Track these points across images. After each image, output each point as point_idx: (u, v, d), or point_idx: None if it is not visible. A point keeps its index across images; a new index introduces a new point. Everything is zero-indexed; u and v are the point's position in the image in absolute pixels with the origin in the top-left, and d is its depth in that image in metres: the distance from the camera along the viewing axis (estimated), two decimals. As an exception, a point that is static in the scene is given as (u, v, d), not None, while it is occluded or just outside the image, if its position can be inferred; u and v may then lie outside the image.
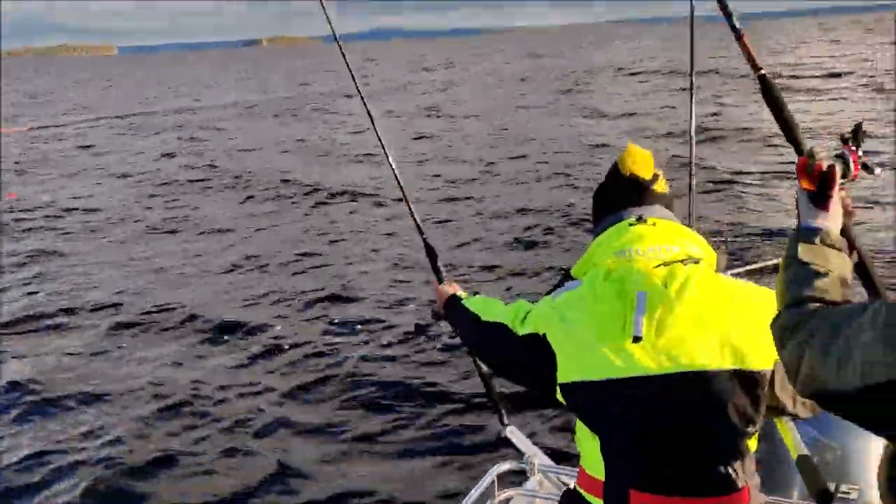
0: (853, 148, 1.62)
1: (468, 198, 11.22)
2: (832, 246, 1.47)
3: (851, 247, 1.59)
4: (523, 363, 1.95)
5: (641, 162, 2.05)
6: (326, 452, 4.64)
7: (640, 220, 1.92)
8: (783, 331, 1.39)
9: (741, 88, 22.96)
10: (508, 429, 2.67)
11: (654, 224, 1.90)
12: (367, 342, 6.13)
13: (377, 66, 63.46)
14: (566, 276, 2.03)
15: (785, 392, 1.76)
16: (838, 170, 1.54)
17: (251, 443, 4.80)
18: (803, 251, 1.47)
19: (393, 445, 4.60)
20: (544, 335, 1.87)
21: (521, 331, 1.94)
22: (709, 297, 1.76)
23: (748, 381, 1.71)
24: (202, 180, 14.48)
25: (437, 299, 2.49)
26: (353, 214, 10.94)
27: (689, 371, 1.70)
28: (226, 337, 6.46)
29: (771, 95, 1.84)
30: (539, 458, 2.65)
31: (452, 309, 2.33)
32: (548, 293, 1.98)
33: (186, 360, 6.04)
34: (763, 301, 1.76)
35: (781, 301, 1.46)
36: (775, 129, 1.89)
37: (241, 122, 24.20)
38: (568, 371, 1.80)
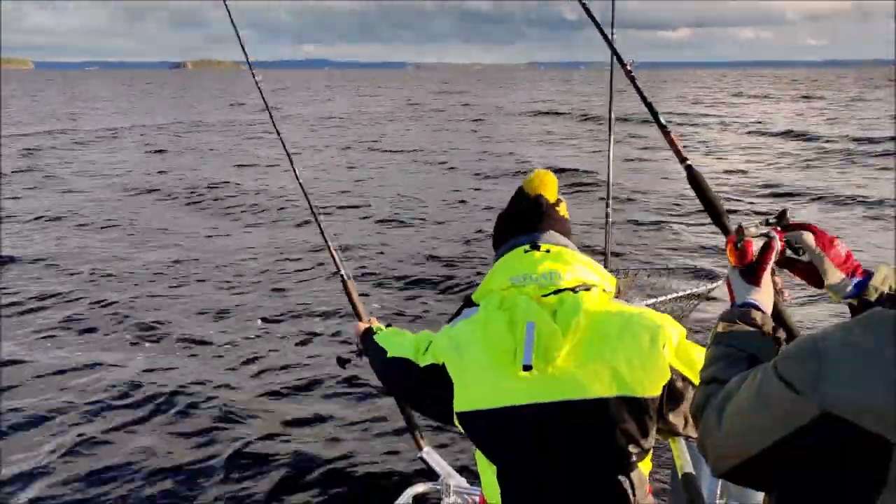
0: (779, 229, 1.64)
1: (384, 222, 11.23)
2: (755, 325, 1.49)
3: (783, 325, 1.61)
4: (427, 395, 1.97)
5: (549, 184, 2.07)
6: (239, 477, 4.56)
7: (534, 246, 1.94)
8: (695, 409, 1.44)
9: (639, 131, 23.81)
10: (425, 451, 2.70)
11: (548, 251, 1.92)
12: (284, 367, 6.06)
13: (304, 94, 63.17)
14: (467, 301, 2.04)
15: (675, 414, 1.81)
16: (773, 245, 1.57)
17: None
18: (724, 332, 1.50)
19: (311, 469, 4.54)
20: (443, 364, 1.89)
21: (423, 362, 1.96)
22: (598, 326, 1.78)
23: (636, 407, 1.74)
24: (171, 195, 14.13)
25: (355, 335, 2.52)
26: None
27: (577, 399, 1.73)
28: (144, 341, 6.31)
29: (696, 184, 1.90)
30: (454, 480, 2.68)
31: (367, 344, 2.35)
32: (449, 320, 2.02)
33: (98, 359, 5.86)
34: (653, 327, 1.81)
35: (701, 377, 1.50)
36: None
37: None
38: (463, 400, 1.82)
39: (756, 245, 1.57)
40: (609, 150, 3.55)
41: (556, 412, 1.74)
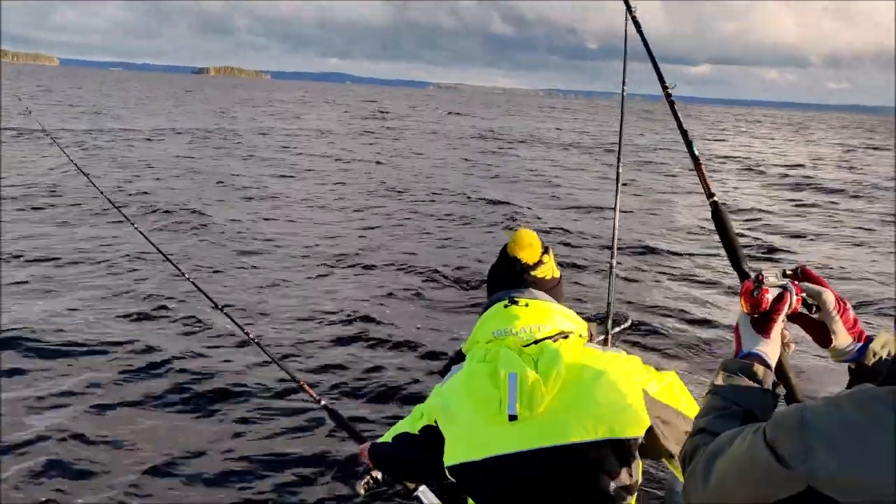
0: (795, 282, 1.63)
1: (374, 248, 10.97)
2: (757, 379, 1.50)
3: (784, 381, 1.63)
4: (428, 458, 2.01)
5: (528, 247, 2.20)
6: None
7: (512, 301, 2.07)
8: (684, 457, 1.46)
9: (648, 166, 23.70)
10: (420, 489, 2.67)
11: (526, 305, 2.05)
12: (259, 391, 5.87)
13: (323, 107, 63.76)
14: (457, 356, 2.15)
15: (669, 440, 1.88)
16: (787, 298, 1.57)
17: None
18: (723, 383, 1.51)
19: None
20: (435, 422, 1.98)
21: (418, 427, 2.06)
22: (577, 372, 1.88)
23: (620, 448, 1.83)
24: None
25: (362, 458, 2.52)
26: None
27: (563, 444, 1.81)
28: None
29: (719, 220, 1.91)
30: None
31: (375, 457, 2.36)
32: (441, 374, 2.16)
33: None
34: (628, 370, 1.92)
35: (693, 424, 1.52)
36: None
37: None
38: (453, 454, 1.90)
39: (771, 295, 1.57)
40: (616, 203, 3.50)
41: (543, 458, 1.81)
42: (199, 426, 4.87)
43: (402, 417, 2.38)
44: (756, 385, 1.50)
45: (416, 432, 2.06)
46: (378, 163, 21.69)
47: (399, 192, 15.84)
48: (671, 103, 2.21)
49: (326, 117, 45.77)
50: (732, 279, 9.37)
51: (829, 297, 1.62)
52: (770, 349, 1.57)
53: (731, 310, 7.93)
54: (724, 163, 27.33)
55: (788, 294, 1.58)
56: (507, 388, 1.83)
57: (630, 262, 9.92)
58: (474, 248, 10.55)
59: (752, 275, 1.61)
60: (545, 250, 2.24)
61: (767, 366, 1.53)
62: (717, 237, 1.94)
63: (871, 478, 1.06)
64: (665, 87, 2.23)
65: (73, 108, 38.23)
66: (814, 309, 1.63)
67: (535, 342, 1.95)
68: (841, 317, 1.62)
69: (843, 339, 1.62)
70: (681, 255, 10.75)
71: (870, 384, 1.19)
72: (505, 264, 2.22)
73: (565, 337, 1.98)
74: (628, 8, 2.59)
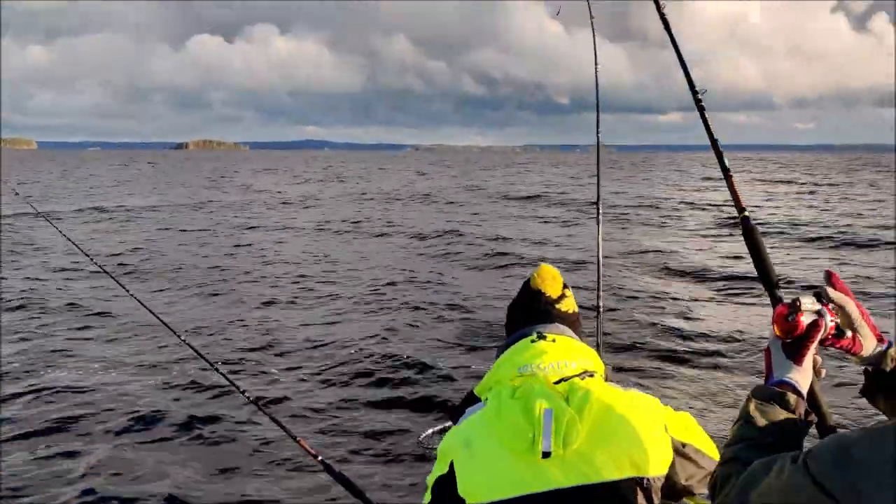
0: (831, 308, 1.58)
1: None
2: (789, 409, 1.48)
3: (816, 409, 1.59)
4: None
5: (550, 280, 2.21)
6: None
7: (540, 336, 2.03)
8: (714, 485, 1.44)
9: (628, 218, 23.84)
10: None
11: (553, 340, 2.01)
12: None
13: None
14: (469, 398, 2.08)
15: (689, 478, 1.89)
16: (821, 324, 1.53)
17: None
18: (756, 411, 1.48)
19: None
20: (451, 465, 1.87)
21: (431, 480, 1.93)
22: (607, 410, 1.84)
23: (646, 487, 1.80)
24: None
25: None
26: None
27: (594, 483, 1.76)
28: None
29: (751, 238, 1.83)
30: None
31: None
32: (451, 417, 2.07)
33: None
34: (651, 409, 1.91)
35: (722, 452, 1.49)
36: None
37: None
38: (477, 491, 1.80)
39: (806, 318, 1.53)
40: (598, 238, 3.54)
41: (573, 498, 1.76)
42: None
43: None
44: (789, 414, 1.47)
45: (431, 485, 1.93)
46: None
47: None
48: (701, 109, 2.06)
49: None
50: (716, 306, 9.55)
51: (853, 309, 1.58)
52: (802, 377, 1.54)
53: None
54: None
55: (823, 321, 1.53)
56: (543, 423, 1.78)
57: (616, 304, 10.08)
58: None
59: (787, 299, 1.56)
60: (565, 285, 2.25)
61: (800, 394, 1.51)
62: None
63: None
64: (696, 93, 2.08)
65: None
66: (847, 332, 1.59)
67: (563, 379, 1.91)
68: (866, 322, 1.59)
69: (870, 346, 1.59)
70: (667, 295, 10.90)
71: None
72: (529, 298, 2.20)
73: (591, 375, 1.95)
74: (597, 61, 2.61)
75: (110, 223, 22.82)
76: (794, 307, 1.52)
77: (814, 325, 1.53)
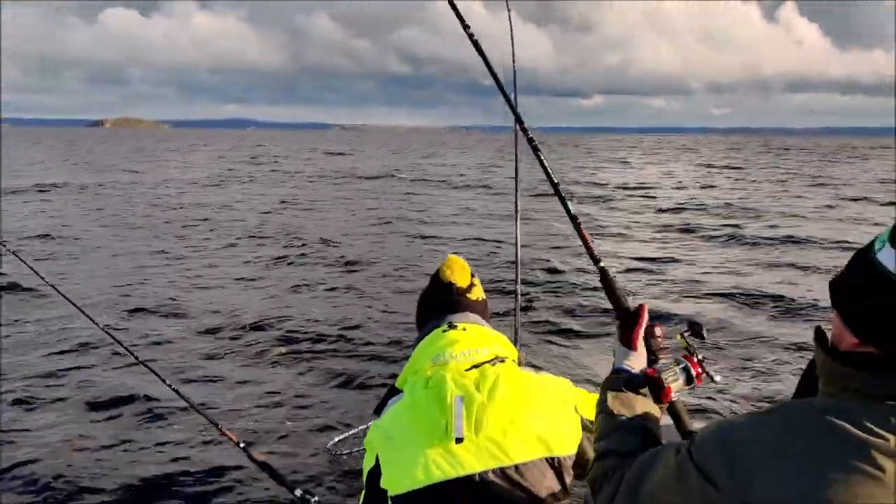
0: (694, 357, 1.75)
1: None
2: (632, 390, 1.62)
3: (674, 413, 1.80)
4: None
5: (459, 271, 2.30)
6: None
7: (451, 326, 2.13)
8: (594, 482, 1.51)
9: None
10: None
11: (464, 329, 2.11)
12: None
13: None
14: (391, 391, 2.15)
15: (590, 448, 1.93)
16: (676, 378, 1.70)
17: None
18: (613, 402, 1.61)
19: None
20: (377, 458, 1.96)
21: (364, 473, 2.01)
22: (516, 394, 1.93)
23: (557, 466, 1.89)
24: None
25: None
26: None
27: (507, 465, 1.84)
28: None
29: (606, 283, 1.96)
30: None
31: None
32: (375, 411, 2.15)
33: None
34: (560, 390, 2.02)
35: (594, 449, 1.59)
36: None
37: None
38: (399, 482, 1.87)
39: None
40: (517, 226, 3.59)
41: (488, 480, 1.83)
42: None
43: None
44: (639, 397, 1.60)
45: (366, 479, 1.99)
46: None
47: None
48: (535, 149, 2.12)
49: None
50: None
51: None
52: (636, 360, 1.74)
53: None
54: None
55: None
56: (454, 410, 1.85)
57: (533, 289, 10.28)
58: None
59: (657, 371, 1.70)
60: (472, 274, 2.33)
61: (634, 375, 1.68)
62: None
63: (796, 492, 1.09)
64: (526, 132, 2.16)
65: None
66: (717, 377, 1.75)
67: (475, 366, 1.98)
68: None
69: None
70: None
71: (791, 400, 1.24)
72: (439, 289, 2.27)
73: (502, 361, 2.03)
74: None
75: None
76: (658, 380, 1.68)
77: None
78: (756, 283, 10.79)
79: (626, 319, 1.80)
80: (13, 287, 9.95)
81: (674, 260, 12.98)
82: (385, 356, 7.33)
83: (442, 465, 1.84)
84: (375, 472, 1.95)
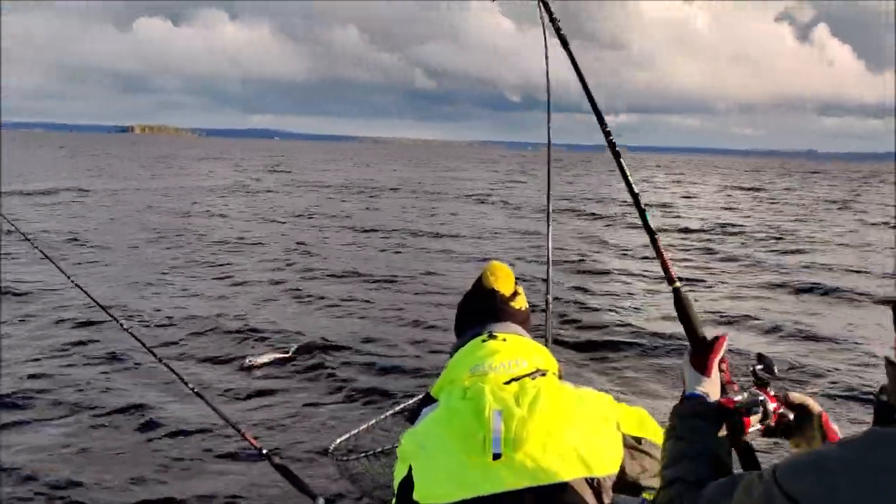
0: (769, 391, 1.65)
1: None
2: (707, 418, 1.55)
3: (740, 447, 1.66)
4: None
5: (503, 278, 2.19)
6: None
7: (491, 336, 2.03)
8: None
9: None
10: None
11: (504, 339, 2.01)
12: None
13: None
14: (426, 399, 2.08)
15: (636, 469, 1.92)
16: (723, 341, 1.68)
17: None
18: (684, 428, 1.55)
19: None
20: (410, 469, 1.86)
21: (395, 482, 1.92)
22: (557, 409, 1.84)
23: (597, 486, 1.81)
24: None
25: None
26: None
27: (545, 485, 1.75)
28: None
29: (680, 306, 1.81)
30: None
31: None
32: (409, 419, 2.10)
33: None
34: (601, 407, 1.92)
35: (660, 475, 1.53)
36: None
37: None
38: (430, 493, 1.80)
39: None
40: (548, 235, 3.55)
41: (524, 499, 1.75)
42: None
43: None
44: (714, 425, 1.54)
45: (396, 489, 1.90)
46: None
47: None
48: (616, 154, 1.95)
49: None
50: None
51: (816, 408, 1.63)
52: (711, 387, 1.64)
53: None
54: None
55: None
56: (493, 425, 1.78)
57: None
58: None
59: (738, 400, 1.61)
60: (516, 282, 2.23)
61: (710, 403, 1.59)
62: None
63: None
64: (609, 134, 1.99)
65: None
66: (790, 414, 1.64)
67: (514, 379, 1.90)
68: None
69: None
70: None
71: (878, 427, 1.19)
72: (481, 296, 2.18)
73: (543, 374, 1.95)
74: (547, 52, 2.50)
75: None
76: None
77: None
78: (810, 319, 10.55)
79: (702, 346, 1.70)
80: (29, 289, 10.05)
81: (699, 280, 12.80)
82: (404, 368, 7.29)
83: (477, 480, 1.77)
84: (408, 482, 1.86)
